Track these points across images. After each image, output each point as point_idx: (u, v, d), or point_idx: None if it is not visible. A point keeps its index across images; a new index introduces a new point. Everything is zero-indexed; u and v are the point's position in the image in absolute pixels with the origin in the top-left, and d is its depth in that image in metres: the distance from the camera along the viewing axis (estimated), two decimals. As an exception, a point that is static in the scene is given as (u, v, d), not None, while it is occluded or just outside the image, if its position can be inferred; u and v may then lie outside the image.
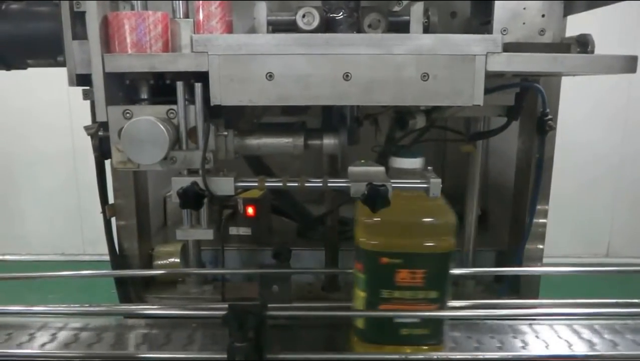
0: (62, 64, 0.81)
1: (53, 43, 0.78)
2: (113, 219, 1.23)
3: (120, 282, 1.23)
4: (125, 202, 1.23)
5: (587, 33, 0.82)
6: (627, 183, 3.11)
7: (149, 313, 0.91)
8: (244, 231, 1.37)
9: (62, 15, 0.74)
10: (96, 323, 1.03)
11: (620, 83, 2.88)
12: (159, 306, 0.89)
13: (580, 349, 0.92)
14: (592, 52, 0.79)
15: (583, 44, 0.81)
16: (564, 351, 0.92)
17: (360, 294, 0.87)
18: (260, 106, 0.83)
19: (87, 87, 0.78)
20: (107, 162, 1.21)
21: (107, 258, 1.23)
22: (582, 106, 2.83)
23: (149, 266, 1.29)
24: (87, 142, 0.91)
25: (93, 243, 3.26)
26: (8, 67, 0.86)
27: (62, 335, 0.99)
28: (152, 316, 1.02)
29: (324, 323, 1.06)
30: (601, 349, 0.92)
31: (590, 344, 0.93)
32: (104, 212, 1.21)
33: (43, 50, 0.80)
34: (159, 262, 1.29)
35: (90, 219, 3.12)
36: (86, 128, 1.11)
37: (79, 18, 0.75)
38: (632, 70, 0.70)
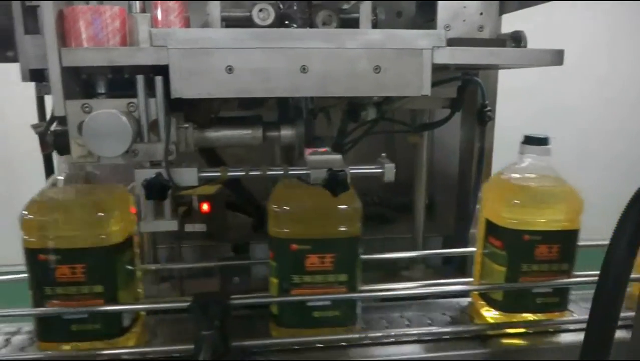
0: (11, 60, 0.80)
1: (1, 38, 0.77)
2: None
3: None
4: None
5: (520, 30, 0.90)
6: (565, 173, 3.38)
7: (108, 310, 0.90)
8: (199, 227, 1.38)
9: (13, 9, 0.73)
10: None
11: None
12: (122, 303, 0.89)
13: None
14: (525, 46, 0.87)
15: (516, 39, 0.88)
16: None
17: (274, 281, 0.91)
18: (218, 100, 0.85)
19: (41, 83, 0.78)
20: (54, 161, 1.18)
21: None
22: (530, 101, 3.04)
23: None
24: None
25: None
26: (-49, 64, 0.83)
27: (17, 339, 0.96)
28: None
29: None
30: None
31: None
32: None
33: (-12, 45, 0.79)
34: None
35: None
36: (34, 127, 1.08)
37: (30, 12, 0.74)
38: (560, 63, 0.78)
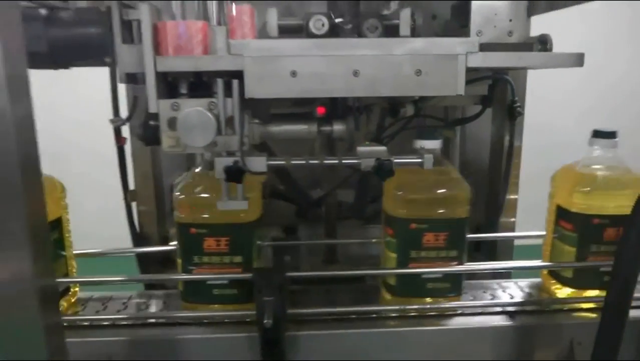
0: (109, 65, 0.95)
1: (99, 46, 0.92)
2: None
3: (141, 261, 1.37)
4: (145, 189, 1.36)
5: (546, 33, 1.00)
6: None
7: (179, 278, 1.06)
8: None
9: (113, 23, 0.87)
10: (121, 294, 1.16)
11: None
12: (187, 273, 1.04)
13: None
14: (551, 49, 0.97)
15: (543, 42, 0.98)
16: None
17: (178, 262, 1.05)
18: (277, 99, 0.98)
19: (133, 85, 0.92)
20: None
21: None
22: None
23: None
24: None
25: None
26: (56, 67, 0.98)
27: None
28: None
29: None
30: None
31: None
32: (125, 197, 1.34)
33: (91, 52, 0.94)
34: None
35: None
36: (112, 121, 1.25)
37: (126, 25, 0.89)
38: (580, 64, 0.88)
